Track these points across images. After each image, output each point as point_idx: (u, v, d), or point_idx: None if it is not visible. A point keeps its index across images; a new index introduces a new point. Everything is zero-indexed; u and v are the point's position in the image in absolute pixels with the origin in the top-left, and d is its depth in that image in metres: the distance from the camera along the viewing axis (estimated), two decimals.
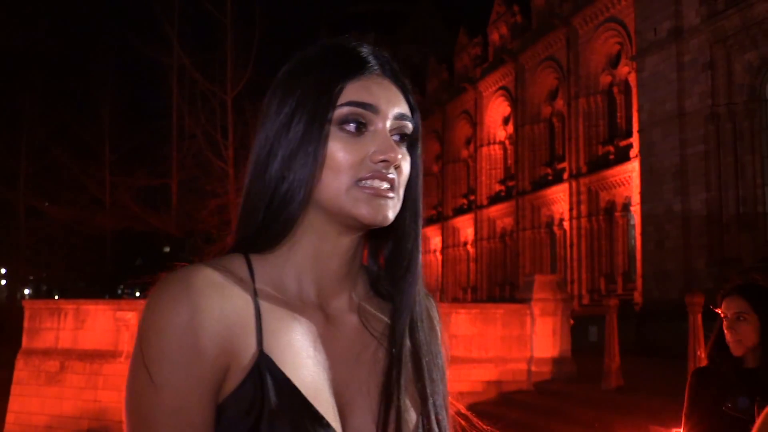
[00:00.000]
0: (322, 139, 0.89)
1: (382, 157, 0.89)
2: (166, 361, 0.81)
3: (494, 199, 32.74)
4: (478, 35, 34.87)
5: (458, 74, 36.44)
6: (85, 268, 36.26)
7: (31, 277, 41.44)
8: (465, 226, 35.93)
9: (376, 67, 0.93)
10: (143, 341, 0.83)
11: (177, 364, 0.81)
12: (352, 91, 0.91)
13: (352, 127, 0.90)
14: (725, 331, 2.68)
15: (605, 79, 25.40)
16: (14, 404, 13.12)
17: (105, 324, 12.70)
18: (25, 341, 13.31)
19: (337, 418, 0.87)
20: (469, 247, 35.45)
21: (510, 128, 32.04)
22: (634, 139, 22.13)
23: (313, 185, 0.90)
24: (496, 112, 33.09)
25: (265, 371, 0.83)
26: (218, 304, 0.84)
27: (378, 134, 0.91)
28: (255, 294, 0.88)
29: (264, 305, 0.88)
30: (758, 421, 2.17)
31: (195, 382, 0.82)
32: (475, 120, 34.37)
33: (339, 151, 0.89)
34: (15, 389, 13.16)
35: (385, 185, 0.90)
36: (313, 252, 0.93)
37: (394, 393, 0.91)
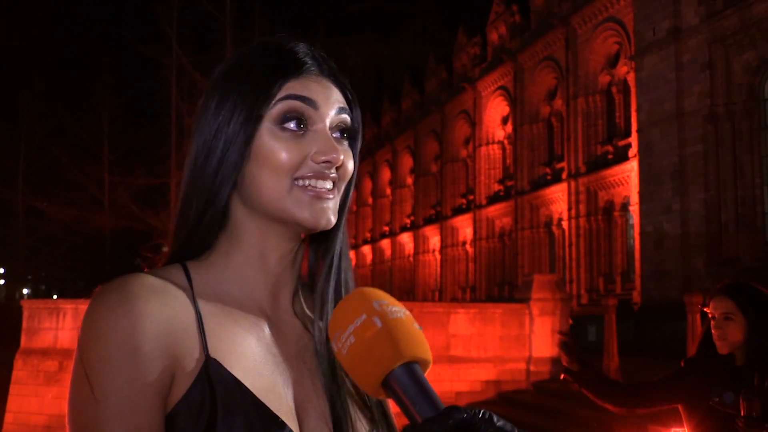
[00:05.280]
0: (257, 134, 0.88)
1: (324, 158, 0.88)
2: (107, 368, 0.79)
3: (493, 199, 32.74)
4: (477, 35, 34.85)
5: (457, 74, 36.43)
6: (83, 267, 36.28)
7: (30, 277, 41.45)
8: (464, 226, 35.93)
9: (313, 67, 0.93)
10: (83, 351, 0.81)
11: (119, 371, 0.79)
12: (291, 88, 0.90)
13: (292, 125, 0.89)
14: (712, 331, 2.74)
15: (604, 79, 25.40)
16: (13, 404, 13.12)
17: None
18: (23, 341, 13.30)
19: (295, 418, 0.86)
20: (467, 246, 35.45)
21: (509, 128, 32.05)
22: (633, 139, 22.14)
23: (237, 173, 0.89)
24: (494, 111, 33.09)
25: (214, 374, 0.82)
26: (158, 308, 0.82)
27: (319, 134, 0.90)
28: (194, 300, 0.86)
29: (205, 310, 0.86)
30: None
31: (138, 387, 0.80)
32: (473, 120, 34.37)
33: (280, 151, 0.88)
34: (14, 389, 13.16)
35: (328, 185, 0.89)
36: (253, 255, 0.92)
37: (341, 390, 0.90)
